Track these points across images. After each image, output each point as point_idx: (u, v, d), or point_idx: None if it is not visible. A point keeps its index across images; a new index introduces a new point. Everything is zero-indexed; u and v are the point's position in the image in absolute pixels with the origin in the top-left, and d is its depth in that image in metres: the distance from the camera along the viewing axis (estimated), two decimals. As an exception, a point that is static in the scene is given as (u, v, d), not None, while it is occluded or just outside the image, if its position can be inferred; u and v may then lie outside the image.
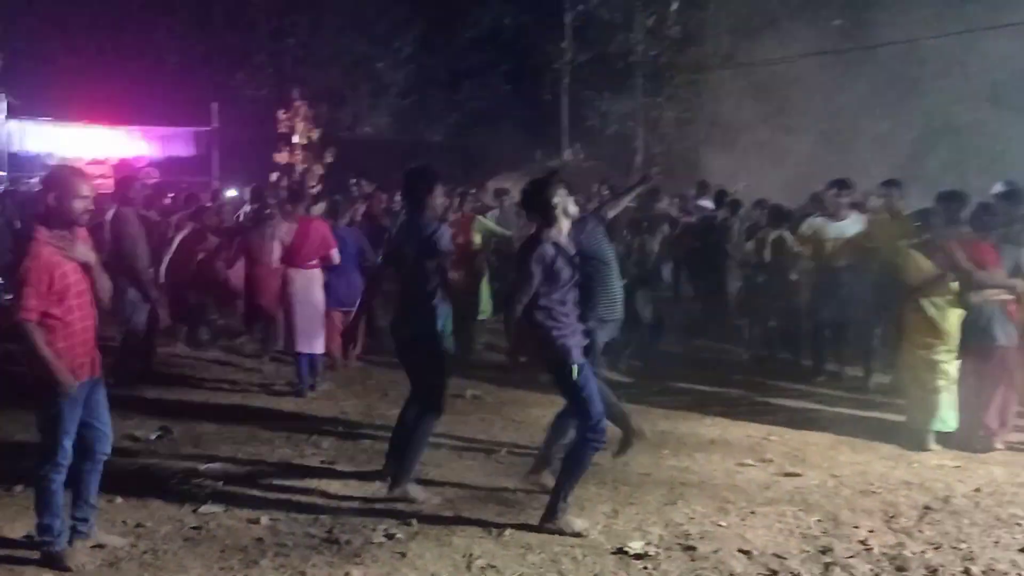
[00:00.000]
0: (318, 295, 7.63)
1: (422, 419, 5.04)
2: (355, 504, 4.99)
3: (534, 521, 4.64)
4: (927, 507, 5.02)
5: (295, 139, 16.07)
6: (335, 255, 7.68)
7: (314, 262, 7.61)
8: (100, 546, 4.26)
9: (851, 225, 7.90)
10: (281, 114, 16.28)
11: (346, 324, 8.16)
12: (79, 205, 3.97)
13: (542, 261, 4.53)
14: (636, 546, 4.40)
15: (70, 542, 4.14)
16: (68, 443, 4.00)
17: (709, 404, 7.38)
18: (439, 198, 5.26)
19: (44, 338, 3.87)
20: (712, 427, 6.73)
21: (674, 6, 23.06)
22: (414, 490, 5.02)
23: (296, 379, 7.54)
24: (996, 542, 4.54)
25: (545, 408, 6.96)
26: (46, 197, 3.99)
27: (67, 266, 3.95)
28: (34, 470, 4.06)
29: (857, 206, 8.31)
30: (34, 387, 3.96)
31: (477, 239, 8.97)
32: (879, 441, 6.31)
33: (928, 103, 18.00)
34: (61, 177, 4.10)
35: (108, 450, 4.22)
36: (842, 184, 7.99)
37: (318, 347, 7.56)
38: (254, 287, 8.65)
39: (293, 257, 7.62)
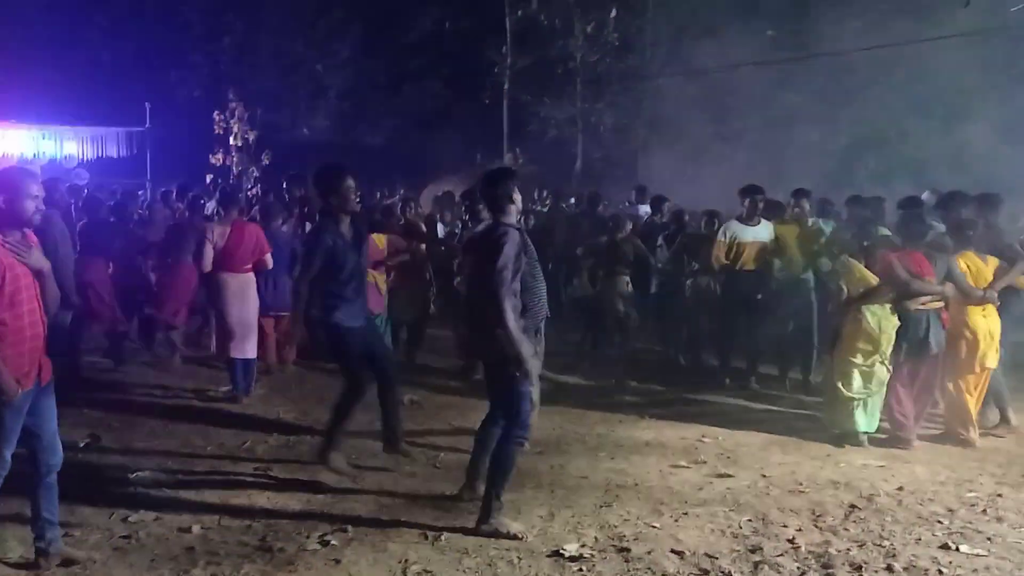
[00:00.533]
0: (252, 300, 7.53)
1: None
2: (290, 511, 4.94)
3: (471, 525, 4.65)
4: (853, 505, 5.17)
5: (231, 140, 15.79)
6: (269, 260, 7.60)
7: (248, 266, 7.52)
8: (69, 562, 4.14)
9: (763, 231, 8.06)
10: (216, 115, 16.00)
11: (282, 327, 8.18)
12: (30, 205, 3.87)
13: (516, 245, 4.53)
14: (571, 548, 4.45)
15: (36, 559, 4.06)
16: (7, 452, 3.88)
17: (645, 407, 7.47)
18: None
19: None
20: (647, 430, 6.82)
21: (613, 13, 23.33)
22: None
23: (231, 385, 7.43)
24: (918, 539, 4.69)
25: (483, 412, 7.00)
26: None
27: (19, 269, 3.83)
28: None
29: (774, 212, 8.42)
30: None
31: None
32: (809, 441, 6.48)
33: (857, 113, 18.57)
34: (11, 178, 3.98)
35: (56, 462, 4.08)
36: (754, 190, 8.12)
37: (251, 352, 7.46)
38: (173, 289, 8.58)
39: (227, 261, 7.50)
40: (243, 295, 7.45)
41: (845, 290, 6.51)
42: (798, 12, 18.46)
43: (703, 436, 6.61)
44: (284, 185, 11.24)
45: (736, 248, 8.00)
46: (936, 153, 16.70)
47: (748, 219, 8.06)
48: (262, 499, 5.11)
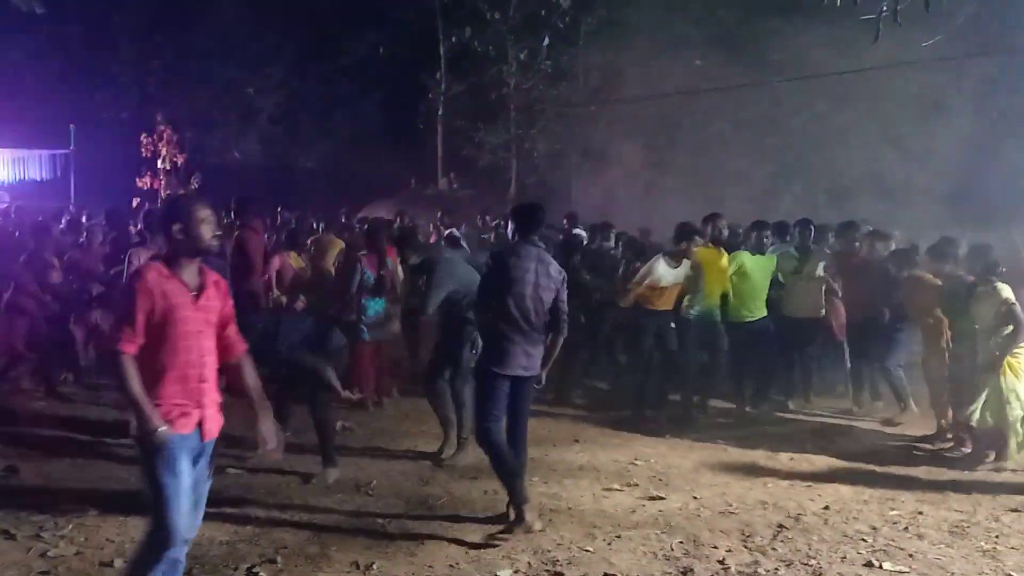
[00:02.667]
0: None
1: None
2: (217, 541, 4.83)
3: (403, 555, 4.61)
4: (781, 525, 5.27)
5: (159, 164, 15.49)
6: None
7: None
8: None
9: (682, 271, 7.63)
10: (144, 138, 15.68)
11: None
12: (207, 232, 3.60)
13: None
14: (505, 574, 4.44)
15: None
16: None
17: (578, 431, 7.52)
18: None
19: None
20: (581, 453, 6.86)
21: (546, 42, 23.65)
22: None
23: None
24: (843, 557, 4.80)
25: (417, 439, 6.97)
26: (169, 229, 3.58)
27: (178, 299, 3.52)
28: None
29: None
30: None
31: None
32: (738, 463, 6.60)
33: (783, 141, 19.12)
34: (184, 205, 3.71)
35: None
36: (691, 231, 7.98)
37: None
38: None
39: None
40: None
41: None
42: (726, 44, 18.94)
43: (635, 459, 6.67)
44: (228, 210, 11.03)
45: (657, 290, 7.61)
46: (857, 180, 17.29)
47: (675, 259, 7.55)
48: (188, 531, 4.98)
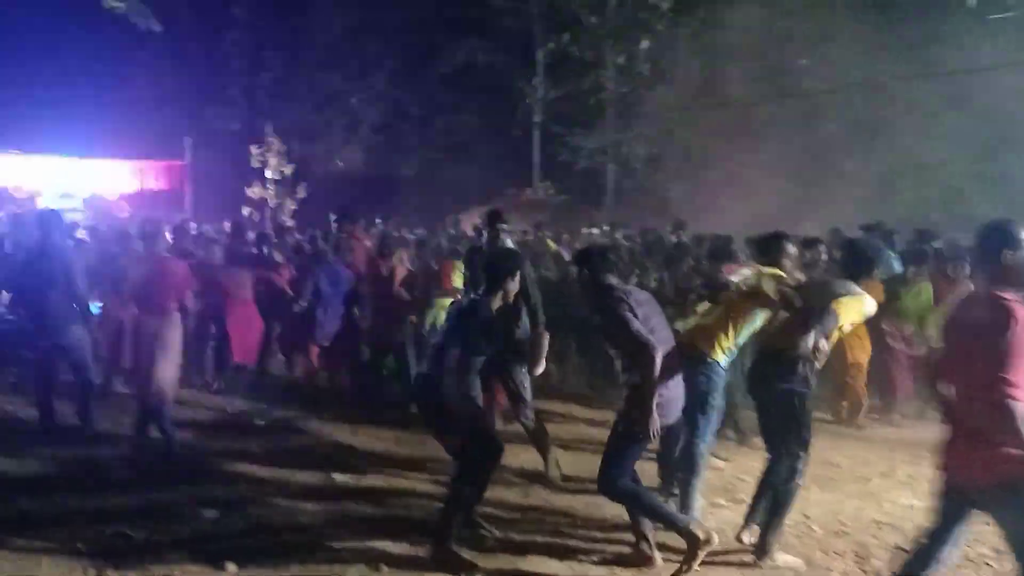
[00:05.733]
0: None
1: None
2: (323, 547, 4.92)
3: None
4: (898, 547, 5.05)
5: (268, 174, 16.00)
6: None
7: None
8: None
9: None
10: (253, 149, 16.24)
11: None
12: None
13: None
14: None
15: None
16: None
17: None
18: None
19: None
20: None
21: (644, 45, 23.43)
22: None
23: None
24: (966, 582, 4.58)
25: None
26: (999, 255, 3.41)
27: None
28: None
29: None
30: None
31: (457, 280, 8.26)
32: (850, 479, 6.36)
33: (893, 142, 18.41)
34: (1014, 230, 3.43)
35: None
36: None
37: None
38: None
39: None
40: None
41: None
42: (830, 41, 18.40)
43: (741, 474, 6.50)
44: (333, 220, 11.26)
45: None
46: (970, 181, 16.53)
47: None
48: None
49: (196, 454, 6.75)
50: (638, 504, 4.68)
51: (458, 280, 7.93)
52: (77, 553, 4.75)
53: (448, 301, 7.63)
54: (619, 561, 4.78)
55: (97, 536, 4.97)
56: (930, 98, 17.48)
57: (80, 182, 18.62)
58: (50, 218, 7.04)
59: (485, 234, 7.59)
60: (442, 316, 7.45)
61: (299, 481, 6.16)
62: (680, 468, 5.17)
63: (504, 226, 7.22)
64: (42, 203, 16.98)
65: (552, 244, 11.45)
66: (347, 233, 9.23)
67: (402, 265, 8.61)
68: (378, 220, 14.56)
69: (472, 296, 5.25)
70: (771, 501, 4.87)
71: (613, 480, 4.58)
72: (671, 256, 8.92)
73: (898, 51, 17.26)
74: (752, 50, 19.26)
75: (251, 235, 10.45)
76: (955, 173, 17.30)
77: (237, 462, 6.57)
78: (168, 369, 6.66)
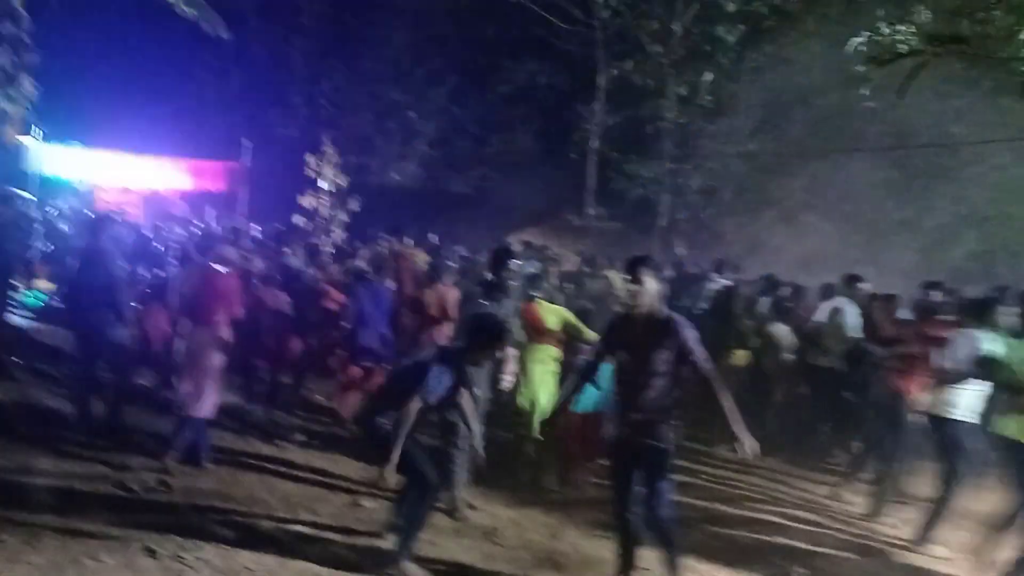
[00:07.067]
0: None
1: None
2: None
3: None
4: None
5: (323, 184, 16.09)
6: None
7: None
8: None
9: None
10: (310, 157, 16.37)
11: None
12: None
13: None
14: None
15: None
16: None
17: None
18: None
19: None
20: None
21: (707, 76, 23.22)
22: None
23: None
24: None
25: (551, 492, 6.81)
26: None
27: None
28: None
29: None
30: None
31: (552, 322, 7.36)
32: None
33: (957, 193, 17.96)
34: None
35: None
36: None
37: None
38: None
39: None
40: None
41: None
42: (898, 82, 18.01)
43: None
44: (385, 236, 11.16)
45: None
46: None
47: None
48: None
49: (226, 467, 6.75)
50: None
51: (552, 320, 7.23)
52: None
53: (549, 350, 7.21)
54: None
55: (122, 548, 4.97)
56: (998, 151, 17.01)
57: (139, 177, 18.91)
58: (102, 224, 7.15)
59: (491, 275, 6.75)
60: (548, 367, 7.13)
61: (327, 503, 6.12)
62: None
63: (516, 262, 6.94)
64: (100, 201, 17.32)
65: (618, 279, 9.16)
66: (392, 251, 9.19)
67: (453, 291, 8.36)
68: (431, 235, 14.53)
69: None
70: None
71: None
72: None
73: (968, 98, 16.84)
74: (817, 90, 18.98)
75: (299, 249, 10.43)
76: (1019, 228, 16.79)
77: (268, 477, 6.56)
78: (212, 382, 6.72)
